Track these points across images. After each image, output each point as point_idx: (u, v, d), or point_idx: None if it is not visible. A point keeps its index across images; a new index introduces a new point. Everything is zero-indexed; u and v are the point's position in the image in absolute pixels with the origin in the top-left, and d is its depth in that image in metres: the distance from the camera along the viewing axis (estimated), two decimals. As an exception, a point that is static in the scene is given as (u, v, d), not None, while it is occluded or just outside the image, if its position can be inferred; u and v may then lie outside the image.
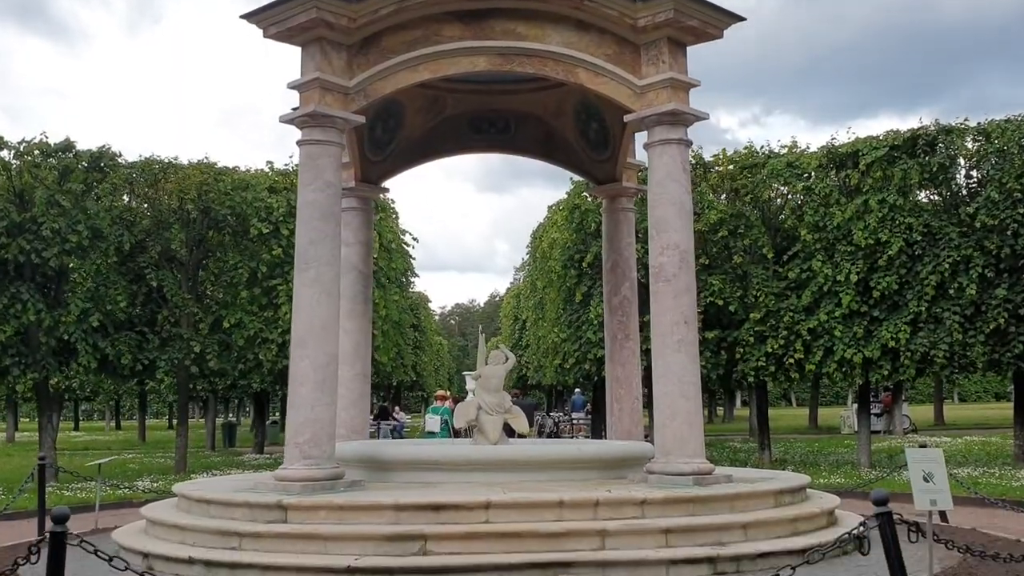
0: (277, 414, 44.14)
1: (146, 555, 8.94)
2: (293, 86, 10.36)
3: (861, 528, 6.17)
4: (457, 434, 18.58)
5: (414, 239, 30.44)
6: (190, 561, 8.42)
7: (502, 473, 10.11)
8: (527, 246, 35.48)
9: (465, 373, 74.82)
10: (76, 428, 62.97)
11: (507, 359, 11.94)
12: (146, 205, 22.93)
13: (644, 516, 8.68)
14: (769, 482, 10.19)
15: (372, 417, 21.81)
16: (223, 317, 22.41)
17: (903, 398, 38.55)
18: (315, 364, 9.82)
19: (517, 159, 14.94)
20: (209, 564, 8.29)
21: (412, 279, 32.53)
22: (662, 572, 8.10)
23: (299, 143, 10.26)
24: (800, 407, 68.77)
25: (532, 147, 13.99)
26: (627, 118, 10.86)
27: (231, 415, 56.50)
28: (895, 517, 6.16)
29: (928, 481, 6.65)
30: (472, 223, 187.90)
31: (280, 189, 23.23)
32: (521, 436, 11.85)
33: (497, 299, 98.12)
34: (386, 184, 13.88)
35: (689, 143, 10.65)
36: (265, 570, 8.04)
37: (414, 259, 31.40)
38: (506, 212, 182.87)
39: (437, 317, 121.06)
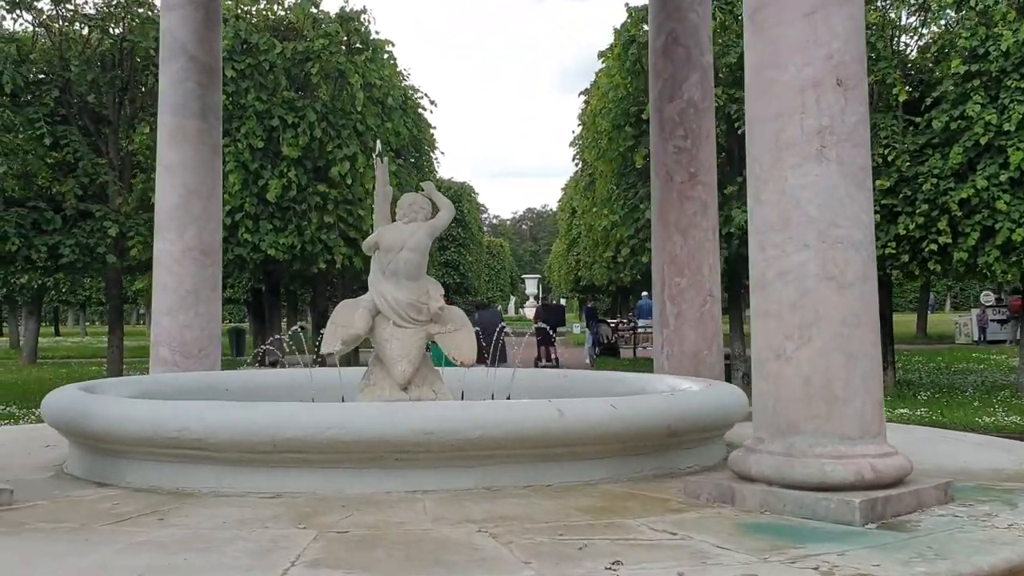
0: (306, 317, 36.28)
1: None
2: None
3: None
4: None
5: (432, 103, 24.30)
6: None
7: (372, 472, 4.12)
8: (578, 116, 28.31)
9: (525, 276, 68.73)
10: (57, 333, 59.50)
11: (433, 211, 5.75)
12: (41, 30, 16.99)
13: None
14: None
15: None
16: (152, 191, 16.54)
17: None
18: None
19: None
20: None
21: (435, 155, 26.35)
22: None
23: None
24: (897, 313, 61.18)
25: None
26: None
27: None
28: None
29: None
30: (549, 127, 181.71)
31: (226, 17, 17.11)
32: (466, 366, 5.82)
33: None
34: None
35: None
36: None
37: (434, 128, 25.32)
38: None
39: (509, 222, 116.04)
